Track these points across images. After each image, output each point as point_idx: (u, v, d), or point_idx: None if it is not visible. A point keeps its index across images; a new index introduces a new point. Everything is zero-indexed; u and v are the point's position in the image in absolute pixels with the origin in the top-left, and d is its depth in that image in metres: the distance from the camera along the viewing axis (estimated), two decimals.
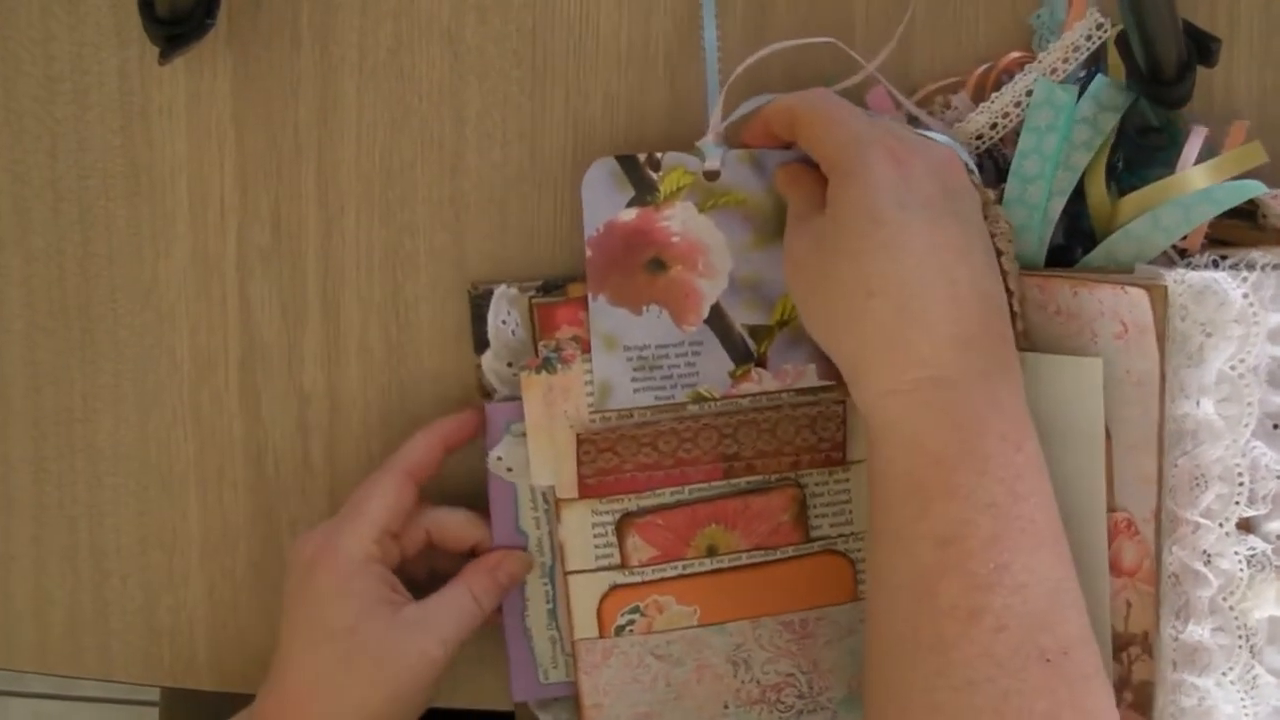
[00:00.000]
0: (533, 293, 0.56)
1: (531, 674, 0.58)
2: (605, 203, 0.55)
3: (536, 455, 0.56)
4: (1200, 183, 0.51)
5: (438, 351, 0.59)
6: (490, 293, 0.57)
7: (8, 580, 0.61)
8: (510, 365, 0.57)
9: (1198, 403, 0.47)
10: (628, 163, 0.55)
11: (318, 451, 0.60)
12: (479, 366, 0.57)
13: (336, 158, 0.58)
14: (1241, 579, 0.47)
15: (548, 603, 0.58)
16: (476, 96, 0.58)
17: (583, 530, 0.56)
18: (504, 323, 0.56)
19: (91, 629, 0.61)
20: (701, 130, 0.57)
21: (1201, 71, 0.54)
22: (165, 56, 0.55)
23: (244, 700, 0.58)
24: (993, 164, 0.56)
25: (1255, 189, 0.51)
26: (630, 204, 0.55)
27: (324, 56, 0.58)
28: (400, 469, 0.55)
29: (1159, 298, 0.47)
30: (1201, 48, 0.53)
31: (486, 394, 0.57)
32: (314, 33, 0.58)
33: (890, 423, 0.47)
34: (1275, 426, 0.48)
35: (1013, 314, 0.50)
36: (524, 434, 0.56)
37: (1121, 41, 0.54)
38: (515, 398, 0.56)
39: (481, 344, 0.57)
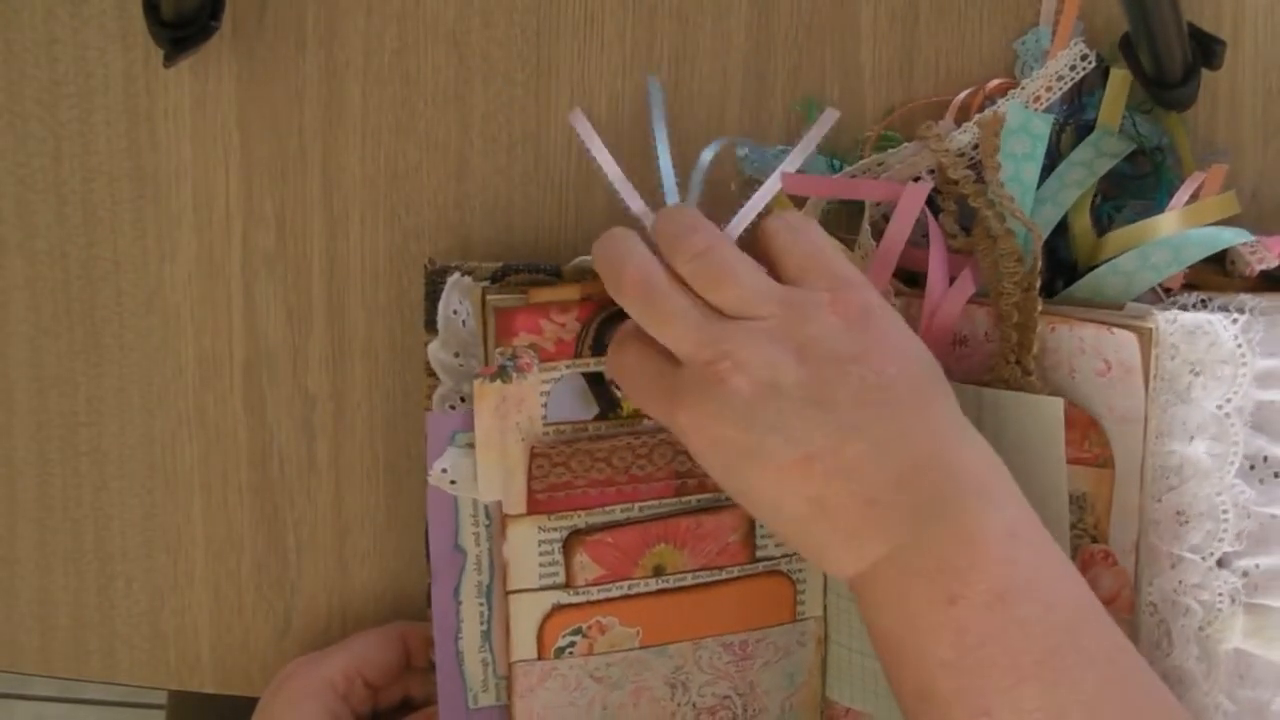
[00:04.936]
0: (486, 282, 0.54)
1: (460, 698, 0.55)
2: (570, 418, 0.54)
3: (485, 468, 0.53)
4: (1175, 228, 0.52)
5: None
6: (446, 270, 0.54)
7: (12, 583, 0.61)
8: (457, 355, 0.54)
9: (1190, 440, 0.48)
10: (594, 380, 0.54)
11: (323, 454, 0.60)
12: (426, 345, 0.54)
13: (341, 161, 0.58)
14: (1220, 611, 0.48)
15: (482, 624, 0.55)
16: (481, 100, 0.58)
17: (528, 548, 0.54)
18: (455, 313, 0.54)
19: (96, 632, 0.61)
20: (708, 134, 0.57)
21: (1206, 74, 0.54)
22: (170, 59, 0.55)
23: (249, 703, 0.58)
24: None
25: (1242, 235, 0.51)
26: (595, 419, 0.54)
27: (329, 59, 0.58)
28: (399, 629, 0.59)
29: (1146, 340, 0.48)
30: (1206, 50, 0.53)
31: (432, 374, 0.55)
32: (319, 35, 0.58)
33: (860, 593, 0.46)
34: (1252, 467, 0.48)
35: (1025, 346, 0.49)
36: (470, 445, 0.53)
37: (1126, 44, 0.54)
38: (456, 390, 0.54)
39: (433, 324, 0.54)
